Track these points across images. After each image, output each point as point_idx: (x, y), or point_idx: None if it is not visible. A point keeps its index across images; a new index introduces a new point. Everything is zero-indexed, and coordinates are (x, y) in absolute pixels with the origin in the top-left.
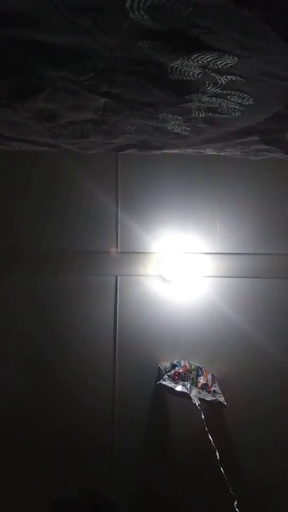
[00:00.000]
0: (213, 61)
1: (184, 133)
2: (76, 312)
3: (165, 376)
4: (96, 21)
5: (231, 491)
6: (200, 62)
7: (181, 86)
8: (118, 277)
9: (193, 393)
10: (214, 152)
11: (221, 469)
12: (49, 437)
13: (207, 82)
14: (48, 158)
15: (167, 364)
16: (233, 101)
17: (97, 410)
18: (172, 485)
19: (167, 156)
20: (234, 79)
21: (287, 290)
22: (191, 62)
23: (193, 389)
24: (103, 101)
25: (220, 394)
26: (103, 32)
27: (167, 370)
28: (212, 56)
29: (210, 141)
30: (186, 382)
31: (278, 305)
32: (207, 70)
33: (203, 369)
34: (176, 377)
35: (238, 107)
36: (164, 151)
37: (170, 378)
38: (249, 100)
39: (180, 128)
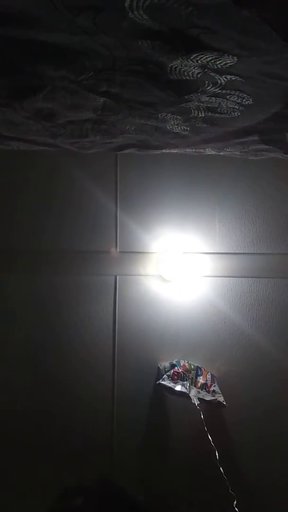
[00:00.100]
0: (213, 61)
1: (183, 132)
2: (75, 312)
3: (165, 375)
4: (95, 20)
5: (230, 491)
6: (199, 62)
7: (181, 86)
8: (118, 277)
9: (193, 393)
10: (213, 152)
11: (221, 468)
12: (48, 436)
13: (207, 82)
14: (47, 158)
15: (166, 364)
16: (232, 101)
17: (97, 409)
18: (172, 485)
19: (166, 156)
20: (233, 79)
21: (286, 290)
22: (191, 62)
23: (193, 388)
24: (102, 100)
25: (219, 393)
26: (102, 31)
27: (166, 369)
28: (212, 56)
29: (209, 140)
30: (185, 382)
31: (278, 305)
32: (206, 70)
33: (203, 369)
34: (176, 377)
35: (237, 107)
36: (164, 150)
37: (170, 378)
38: (249, 100)
39: (179, 127)
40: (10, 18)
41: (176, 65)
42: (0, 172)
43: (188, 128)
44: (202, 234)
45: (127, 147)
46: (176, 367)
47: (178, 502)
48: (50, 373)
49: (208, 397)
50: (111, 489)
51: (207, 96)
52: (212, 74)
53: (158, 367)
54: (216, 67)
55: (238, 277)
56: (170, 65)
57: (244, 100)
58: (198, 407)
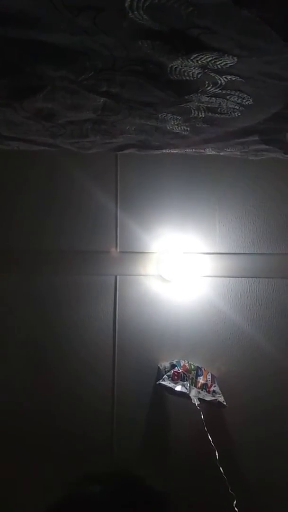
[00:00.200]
0: (213, 61)
1: (183, 133)
2: (75, 311)
3: (165, 376)
4: (95, 20)
5: (230, 491)
6: (199, 62)
7: (181, 86)
8: (118, 277)
9: (193, 393)
10: (213, 152)
11: (221, 468)
12: (48, 436)
13: (207, 82)
14: (47, 158)
15: (166, 364)
16: (232, 101)
17: (97, 409)
18: (172, 485)
19: (166, 156)
20: (233, 79)
21: (286, 290)
22: (191, 62)
23: (193, 389)
24: (102, 100)
25: (219, 394)
26: (102, 31)
27: (166, 370)
28: (212, 56)
29: (209, 141)
30: (185, 382)
31: (278, 305)
32: (206, 70)
33: (203, 369)
34: (176, 377)
35: (237, 107)
36: (164, 151)
37: (170, 378)
38: (249, 100)
39: (179, 128)
40: (10, 18)
41: (176, 65)
42: (0, 172)
43: (188, 128)
44: (202, 234)
45: (127, 147)
46: (176, 367)
47: (178, 501)
48: (50, 373)
49: (208, 397)
50: (129, 478)
51: (207, 97)
52: (212, 74)
53: (158, 367)
54: (216, 67)
55: (238, 277)
56: (170, 65)
57: (244, 100)
58: (198, 407)
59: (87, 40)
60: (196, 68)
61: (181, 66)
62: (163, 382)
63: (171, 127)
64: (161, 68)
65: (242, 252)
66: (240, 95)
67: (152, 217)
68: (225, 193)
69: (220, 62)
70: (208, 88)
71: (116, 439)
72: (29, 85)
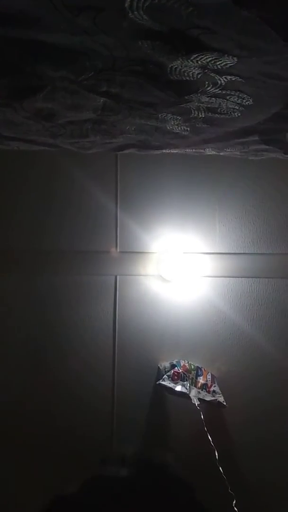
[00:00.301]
0: (213, 62)
1: (183, 133)
2: (75, 311)
3: (165, 376)
4: (95, 20)
5: (230, 491)
6: (199, 62)
7: (181, 86)
8: (118, 277)
9: (193, 393)
10: (213, 152)
11: (220, 468)
12: (48, 436)
13: (207, 82)
14: (47, 158)
15: (166, 364)
16: (232, 101)
17: (97, 409)
18: None
19: (166, 156)
20: (233, 79)
21: (286, 290)
22: (191, 62)
23: (193, 389)
24: (102, 100)
25: (219, 394)
26: (102, 31)
27: (166, 370)
28: (212, 57)
29: (209, 141)
30: (185, 382)
31: (278, 305)
32: (206, 71)
33: (203, 369)
34: (176, 377)
35: (237, 107)
36: (164, 151)
37: (170, 378)
38: (249, 100)
39: (179, 128)
40: (10, 18)
41: (176, 66)
42: (0, 172)
43: (188, 129)
44: (202, 234)
45: (127, 147)
46: (176, 367)
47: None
48: (50, 373)
49: (208, 397)
50: (154, 463)
51: (207, 97)
52: (212, 74)
53: (158, 367)
54: (216, 68)
55: (238, 277)
56: (170, 66)
57: (244, 101)
58: (198, 407)
59: (87, 40)
60: (196, 68)
61: (181, 66)
62: (163, 382)
63: (171, 127)
64: (161, 68)
65: (242, 252)
66: (240, 95)
67: (152, 217)
68: (225, 193)
69: (220, 62)
70: (208, 88)
71: (116, 439)
72: (29, 85)
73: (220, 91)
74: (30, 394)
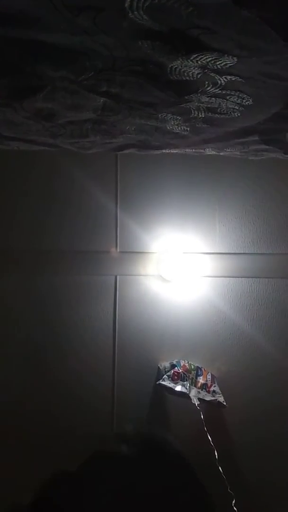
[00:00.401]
0: (213, 62)
1: (183, 133)
2: (75, 312)
3: (165, 376)
4: (95, 20)
5: (229, 490)
6: (199, 62)
7: (181, 86)
8: (118, 277)
9: (193, 393)
10: (213, 152)
11: (220, 468)
12: (48, 436)
13: (207, 82)
14: (47, 158)
15: (166, 364)
16: (232, 101)
17: (97, 409)
18: None
19: (166, 156)
20: (233, 79)
21: (286, 290)
22: (191, 62)
23: (193, 389)
24: (102, 100)
25: (219, 394)
26: (102, 31)
27: (166, 370)
28: (212, 57)
29: (209, 141)
30: (185, 382)
31: (278, 305)
32: (206, 71)
33: (203, 369)
34: (176, 377)
35: (237, 107)
36: (164, 151)
37: (170, 378)
38: (249, 100)
39: (179, 128)
40: (10, 18)
41: (176, 66)
42: (0, 172)
43: (188, 129)
44: (202, 234)
45: (127, 147)
46: (176, 367)
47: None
48: (50, 373)
49: (208, 397)
50: (156, 439)
51: (207, 97)
52: (212, 74)
53: (158, 367)
54: (216, 68)
55: (238, 277)
56: (170, 66)
57: (244, 101)
58: (198, 407)
59: (87, 40)
60: (196, 68)
61: (181, 66)
62: (163, 382)
63: (171, 127)
64: (161, 68)
65: (242, 252)
66: (240, 95)
67: (152, 217)
68: (225, 193)
69: (220, 62)
70: (208, 88)
71: None
72: (29, 85)
73: (220, 91)
74: (30, 394)
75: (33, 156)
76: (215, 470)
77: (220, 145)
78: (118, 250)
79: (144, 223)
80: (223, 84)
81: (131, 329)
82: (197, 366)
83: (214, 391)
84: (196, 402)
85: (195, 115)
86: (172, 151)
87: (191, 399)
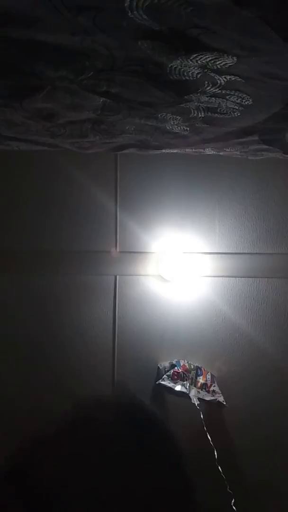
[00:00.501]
0: (212, 61)
1: (183, 132)
2: (75, 312)
3: (164, 376)
4: (95, 20)
5: (228, 490)
6: (199, 62)
7: (180, 86)
8: (117, 277)
9: (192, 393)
10: (213, 152)
11: (219, 468)
12: None
13: (206, 82)
14: (47, 158)
15: (166, 364)
16: (232, 101)
17: None
18: None
19: (166, 156)
20: (233, 79)
21: (286, 290)
22: (190, 62)
23: (192, 388)
24: (102, 100)
25: (219, 393)
26: (102, 31)
27: (166, 370)
28: (211, 56)
29: (209, 140)
30: (185, 382)
31: (277, 305)
32: (206, 70)
33: (202, 369)
34: (175, 377)
35: (237, 107)
36: (163, 150)
37: (169, 378)
38: (249, 100)
39: (179, 128)
40: (10, 19)
41: (175, 66)
42: (0, 172)
43: (188, 128)
44: (202, 234)
45: (127, 147)
46: (176, 367)
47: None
48: (50, 373)
49: (208, 397)
50: (132, 404)
51: (207, 97)
52: (211, 74)
53: (158, 367)
54: (215, 68)
55: (238, 277)
56: (170, 66)
57: (244, 101)
58: (198, 407)
59: (86, 40)
60: (196, 68)
61: (181, 66)
62: (162, 382)
63: (170, 127)
64: (160, 68)
65: (242, 252)
66: (240, 95)
67: (151, 217)
68: (224, 192)
69: (219, 62)
70: (208, 88)
71: None
72: (29, 85)
73: (219, 91)
74: (30, 394)
75: (33, 156)
76: (215, 469)
77: (219, 145)
78: (118, 250)
79: (143, 223)
80: (222, 84)
81: (131, 329)
82: (196, 366)
83: (214, 391)
84: (196, 402)
85: (195, 115)
86: (171, 151)
87: (191, 399)
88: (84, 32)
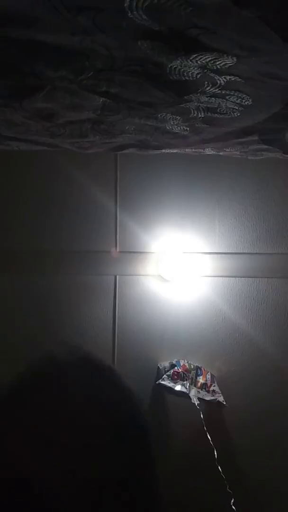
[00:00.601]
0: (212, 62)
1: (183, 133)
2: (75, 312)
3: (164, 375)
4: (95, 20)
5: (228, 489)
6: (199, 62)
7: (180, 86)
8: (118, 277)
9: (192, 393)
10: (213, 152)
11: (219, 467)
12: None
13: (206, 82)
14: (47, 158)
15: (166, 364)
16: (232, 101)
17: None
18: (171, 483)
19: (166, 156)
20: (233, 79)
21: (286, 290)
22: (190, 63)
23: (192, 388)
24: (101, 100)
25: (219, 393)
26: (101, 31)
27: (166, 369)
28: (211, 57)
29: (209, 140)
30: (185, 382)
31: (277, 305)
32: (206, 71)
33: (202, 369)
34: (175, 377)
35: (237, 107)
36: (163, 150)
37: (169, 378)
38: (248, 100)
39: (179, 128)
40: (10, 19)
41: (175, 66)
42: (0, 172)
43: (188, 128)
44: (202, 234)
45: (126, 147)
46: (176, 367)
47: (177, 500)
48: None
49: (208, 397)
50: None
51: (207, 97)
52: (211, 74)
53: (158, 367)
54: (215, 68)
55: (238, 277)
56: (169, 66)
57: (243, 101)
58: (198, 407)
59: (86, 40)
60: (196, 69)
61: (181, 66)
62: (162, 382)
63: (170, 127)
64: (160, 68)
65: (242, 252)
66: (240, 95)
67: (151, 217)
68: (224, 192)
69: (219, 62)
70: (208, 89)
71: None
72: (29, 85)
73: (219, 91)
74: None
75: (33, 156)
76: (215, 469)
77: (219, 145)
78: (118, 250)
79: (143, 223)
80: (222, 84)
81: (131, 329)
82: (196, 366)
83: (214, 391)
84: (196, 402)
85: (195, 115)
86: (171, 151)
87: (191, 399)
88: (83, 32)
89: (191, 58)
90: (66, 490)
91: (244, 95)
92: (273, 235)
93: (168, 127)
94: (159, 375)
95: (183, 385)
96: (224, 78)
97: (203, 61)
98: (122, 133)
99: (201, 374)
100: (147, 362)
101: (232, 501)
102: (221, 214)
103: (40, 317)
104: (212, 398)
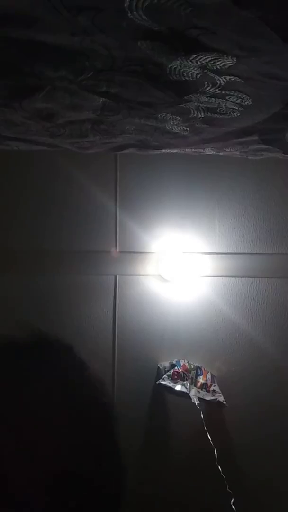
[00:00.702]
0: (212, 62)
1: (183, 133)
2: (75, 312)
3: (164, 375)
4: (95, 20)
5: (228, 489)
6: (199, 62)
7: (180, 87)
8: (118, 277)
9: (193, 393)
10: (213, 152)
11: (219, 467)
12: None
13: (206, 82)
14: (47, 158)
15: (166, 364)
16: (232, 101)
17: None
18: (171, 483)
19: (166, 156)
20: (233, 79)
21: (286, 290)
22: (190, 63)
23: (193, 388)
24: (101, 101)
25: (219, 393)
26: (101, 32)
27: (166, 369)
28: (211, 57)
29: (209, 141)
30: (185, 382)
31: (277, 305)
32: (206, 71)
33: (203, 369)
34: (176, 377)
35: (237, 107)
36: (163, 150)
37: (170, 378)
38: (248, 101)
39: (179, 128)
40: (9, 19)
41: (175, 66)
42: (0, 172)
43: (188, 128)
44: (202, 234)
45: (126, 147)
46: (176, 367)
47: (177, 500)
48: None
49: (208, 397)
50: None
51: (207, 97)
52: (211, 74)
53: (158, 367)
54: (215, 68)
55: (238, 277)
56: (169, 66)
57: (243, 101)
58: (198, 407)
59: (86, 40)
60: (196, 69)
61: (181, 67)
62: (163, 382)
63: (170, 127)
64: (160, 69)
65: (242, 252)
66: (240, 95)
67: (151, 216)
68: (224, 192)
69: (219, 62)
70: (208, 89)
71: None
72: (29, 85)
73: (219, 91)
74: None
75: (33, 156)
76: (215, 469)
77: (219, 145)
78: (118, 250)
79: (143, 223)
80: (222, 84)
81: (131, 329)
82: (196, 366)
83: (214, 391)
84: (196, 402)
85: (195, 115)
86: (171, 151)
87: (191, 399)
88: (83, 32)
89: (191, 59)
90: (26, 477)
91: (244, 95)
92: (273, 235)
93: (168, 127)
94: (159, 375)
95: (183, 385)
96: (224, 78)
97: (203, 61)
98: (122, 133)
99: (201, 374)
100: (147, 362)
101: (232, 501)
102: (221, 214)
103: (40, 317)
104: (212, 398)
